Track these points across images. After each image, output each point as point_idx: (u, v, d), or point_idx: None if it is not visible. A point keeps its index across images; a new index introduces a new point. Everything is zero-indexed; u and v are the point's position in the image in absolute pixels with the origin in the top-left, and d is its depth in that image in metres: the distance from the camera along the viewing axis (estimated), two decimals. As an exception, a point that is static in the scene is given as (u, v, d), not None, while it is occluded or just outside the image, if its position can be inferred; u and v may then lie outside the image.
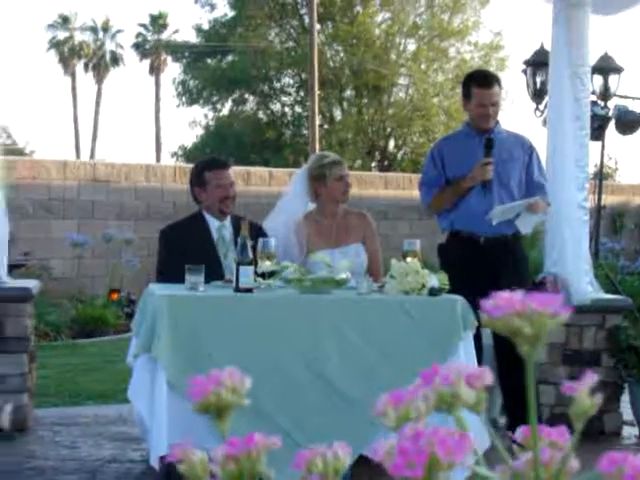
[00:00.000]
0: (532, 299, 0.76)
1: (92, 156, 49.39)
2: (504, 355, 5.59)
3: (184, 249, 5.64)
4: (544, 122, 7.07)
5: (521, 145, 6.03)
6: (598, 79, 13.38)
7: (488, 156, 5.78)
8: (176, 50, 39.80)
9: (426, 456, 0.68)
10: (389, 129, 32.38)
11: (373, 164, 31.86)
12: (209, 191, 5.88)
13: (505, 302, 0.76)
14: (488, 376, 0.79)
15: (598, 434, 6.41)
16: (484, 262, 5.81)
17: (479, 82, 5.96)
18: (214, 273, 5.34)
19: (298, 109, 34.10)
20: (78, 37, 53.84)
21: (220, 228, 5.87)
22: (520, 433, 0.82)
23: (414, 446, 0.69)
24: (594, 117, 9.50)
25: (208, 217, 5.90)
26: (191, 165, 7.94)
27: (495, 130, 5.94)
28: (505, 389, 5.88)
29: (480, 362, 5.52)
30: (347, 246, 5.85)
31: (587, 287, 6.82)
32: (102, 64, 53.86)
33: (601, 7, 6.96)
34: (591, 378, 0.77)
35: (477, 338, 5.27)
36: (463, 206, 5.87)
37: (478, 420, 0.86)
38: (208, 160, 6.34)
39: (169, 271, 5.50)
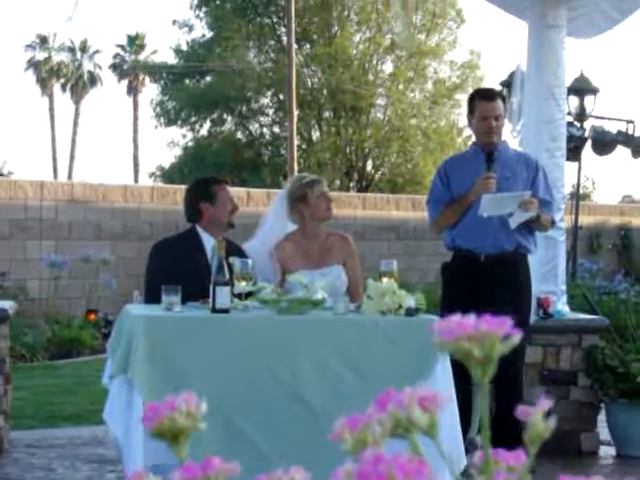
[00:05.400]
0: (483, 321, 0.76)
1: (70, 176, 49.24)
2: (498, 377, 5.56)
3: (177, 266, 5.55)
4: (521, 143, 7.09)
5: (526, 164, 6.03)
6: (574, 100, 13.46)
7: (490, 170, 5.79)
8: (154, 71, 39.72)
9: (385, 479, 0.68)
10: (367, 150, 32.43)
11: (351, 184, 31.91)
12: (219, 204, 5.81)
13: (456, 325, 0.76)
14: (442, 399, 0.78)
15: (575, 454, 6.41)
16: (483, 282, 5.78)
17: (482, 95, 6.07)
18: (206, 292, 5.08)
19: (276, 129, 34.14)
20: (56, 57, 53.81)
21: (215, 247, 5.76)
22: (477, 458, 0.81)
23: (374, 469, 0.68)
24: (570, 138, 9.55)
25: (203, 235, 5.81)
26: (170, 185, 7.92)
27: (500, 148, 5.95)
28: (497, 410, 5.89)
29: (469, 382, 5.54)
30: (328, 267, 5.82)
31: (564, 307, 6.85)
32: (80, 84, 53.79)
33: (577, 31, 7.01)
34: (546, 402, 0.77)
35: None
36: (464, 221, 5.87)
37: (440, 445, 0.86)
38: (210, 177, 6.32)
39: (159, 288, 5.10)
